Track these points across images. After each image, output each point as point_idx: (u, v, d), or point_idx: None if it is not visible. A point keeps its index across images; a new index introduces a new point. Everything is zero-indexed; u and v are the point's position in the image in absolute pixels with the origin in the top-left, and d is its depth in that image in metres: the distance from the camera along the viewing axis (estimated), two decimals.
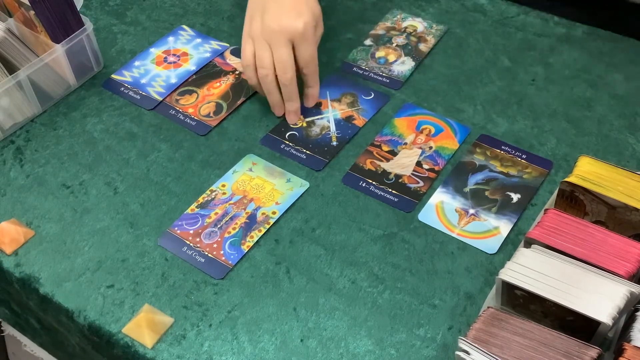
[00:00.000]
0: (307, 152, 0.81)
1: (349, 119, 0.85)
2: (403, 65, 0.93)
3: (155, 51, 0.97)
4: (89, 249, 0.75)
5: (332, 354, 0.66)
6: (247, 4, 0.87)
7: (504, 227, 0.75)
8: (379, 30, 0.99)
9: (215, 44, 0.98)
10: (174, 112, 0.89)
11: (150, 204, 0.79)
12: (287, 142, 0.84)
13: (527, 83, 0.91)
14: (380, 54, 0.95)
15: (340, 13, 1.03)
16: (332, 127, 0.83)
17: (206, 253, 0.73)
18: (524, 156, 0.81)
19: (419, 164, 0.81)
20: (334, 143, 0.82)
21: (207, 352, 0.66)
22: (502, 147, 0.82)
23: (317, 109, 0.85)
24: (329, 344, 0.66)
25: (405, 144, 0.84)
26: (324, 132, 0.84)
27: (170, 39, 0.99)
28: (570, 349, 0.55)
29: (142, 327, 0.67)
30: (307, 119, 0.85)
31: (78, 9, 0.87)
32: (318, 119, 0.85)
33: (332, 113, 0.85)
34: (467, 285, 0.70)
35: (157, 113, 0.89)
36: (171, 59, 0.96)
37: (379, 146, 0.83)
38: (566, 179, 0.65)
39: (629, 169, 0.65)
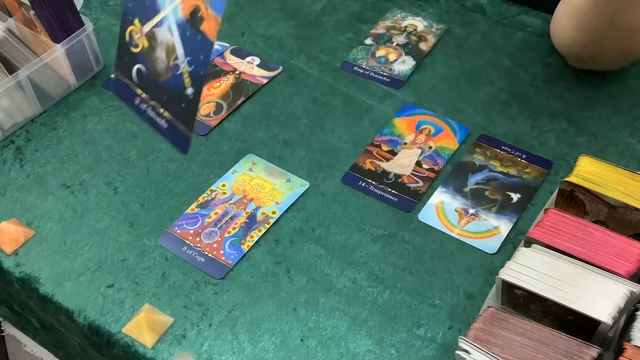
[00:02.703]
0: (166, 116, 0.50)
1: (194, 19, 0.49)
2: (403, 65, 0.93)
3: None
4: (89, 248, 0.75)
5: (332, 354, 0.66)
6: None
7: (504, 226, 0.75)
8: (380, 29, 0.99)
9: (215, 44, 0.98)
10: None
11: (150, 203, 0.79)
12: (139, 94, 0.54)
13: (527, 83, 0.91)
14: (380, 53, 0.95)
15: (340, 13, 1.03)
16: (179, 49, 0.49)
17: (206, 253, 0.73)
18: (524, 156, 0.81)
19: (418, 163, 0.81)
20: (189, 90, 0.49)
21: (207, 351, 0.66)
22: (502, 147, 0.82)
23: None
24: (329, 344, 0.66)
25: (405, 143, 0.84)
26: (172, 65, 0.50)
27: None
28: (570, 349, 0.55)
29: (142, 326, 0.67)
30: (145, 29, 0.52)
31: (78, 9, 0.87)
32: (158, 26, 0.51)
33: (171, 8, 0.50)
34: (467, 285, 0.70)
35: None
36: None
37: (379, 146, 0.84)
38: (566, 179, 0.65)
39: (629, 169, 0.65)
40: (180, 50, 0.49)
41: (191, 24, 0.47)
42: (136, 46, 0.52)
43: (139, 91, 0.52)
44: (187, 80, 0.48)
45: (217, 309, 0.69)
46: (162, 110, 0.50)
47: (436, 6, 1.03)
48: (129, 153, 0.84)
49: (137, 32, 0.51)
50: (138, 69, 0.52)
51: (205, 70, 0.46)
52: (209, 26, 0.47)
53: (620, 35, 0.80)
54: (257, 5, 1.04)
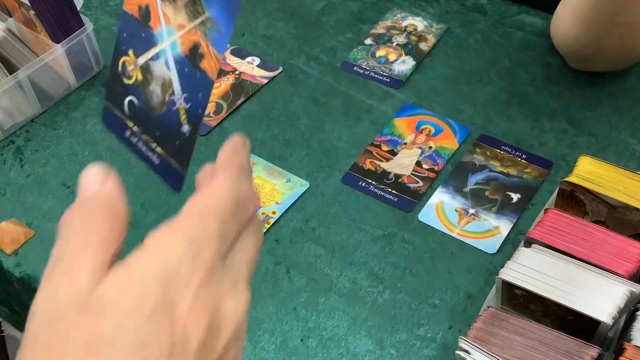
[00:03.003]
0: (159, 151, 0.46)
1: (194, 55, 0.44)
2: (404, 65, 0.93)
3: None
4: None
5: (332, 354, 0.66)
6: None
7: (504, 226, 0.75)
8: (380, 29, 0.99)
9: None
10: None
11: (150, 204, 0.79)
12: (130, 126, 0.49)
13: (527, 83, 0.91)
14: (380, 53, 0.95)
15: (340, 13, 1.03)
16: (176, 85, 0.46)
17: None
18: (524, 156, 0.81)
19: (418, 163, 0.81)
20: (185, 128, 0.46)
21: None
22: (502, 147, 0.82)
23: (148, 28, 0.46)
24: (329, 344, 0.66)
25: (405, 143, 0.84)
26: (168, 100, 0.46)
27: None
28: (570, 349, 0.55)
29: None
30: (140, 61, 0.48)
31: (78, 9, 0.87)
32: (154, 59, 0.47)
33: (169, 42, 0.46)
34: (467, 285, 0.70)
35: None
36: None
37: (379, 146, 0.84)
38: (566, 179, 0.65)
39: (629, 169, 0.65)
40: (177, 87, 0.45)
41: (190, 60, 0.44)
42: (129, 77, 0.48)
43: (130, 123, 0.48)
44: (183, 118, 0.45)
45: None
46: (154, 145, 0.47)
47: (436, 6, 1.03)
48: (129, 153, 0.84)
49: (131, 63, 0.48)
50: (130, 101, 0.48)
51: (203, 109, 0.43)
52: (210, 64, 0.43)
53: (621, 34, 0.80)
54: (257, 5, 1.04)
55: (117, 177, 0.35)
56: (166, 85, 0.45)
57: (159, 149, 0.45)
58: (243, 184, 0.36)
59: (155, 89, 0.46)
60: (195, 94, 0.44)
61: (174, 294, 0.30)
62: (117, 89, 0.48)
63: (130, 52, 0.47)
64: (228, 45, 0.98)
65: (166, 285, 0.30)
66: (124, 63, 0.48)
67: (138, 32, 0.46)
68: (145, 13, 0.45)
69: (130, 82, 0.47)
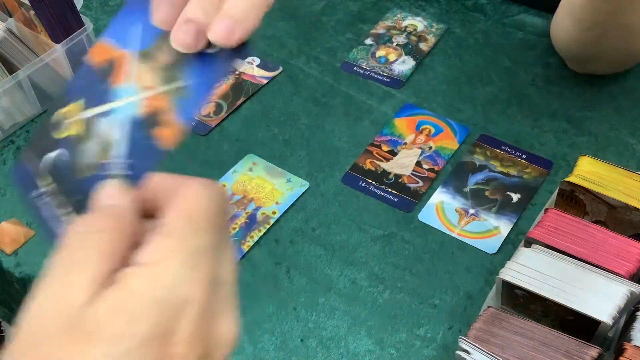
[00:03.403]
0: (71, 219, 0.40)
1: (153, 121, 0.38)
2: (404, 65, 0.93)
3: None
4: None
5: (332, 354, 0.66)
6: None
7: (504, 227, 0.75)
8: (380, 29, 0.99)
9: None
10: None
11: None
12: (41, 185, 0.42)
13: (527, 83, 0.91)
14: (380, 53, 0.95)
15: (340, 13, 1.03)
16: (121, 148, 0.39)
17: None
18: (524, 156, 0.81)
19: (418, 164, 0.81)
20: None
21: None
22: (502, 147, 0.82)
23: (106, 83, 0.40)
24: (329, 344, 0.66)
25: (405, 144, 0.84)
26: (102, 163, 0.39)
27: None
28: (570, 349, 0.55)
29: None
30: (87, 113, 0.41)
31: (78, 9, 0.87)
32: (103, 115, 0.41)
33: (128, 101, 0.40)
34: (467, 285, 0.70)
35: None
36: None
37: (379, 146, 0.84)
38: (566, 179, 0.65)
39: (629, 169, 0.65)
40: (122, 150, 0.40)
41: (147, 125, 0.39)
42: (63, 130, 0.42)
43: (42, 182, 0.42)
44: None
45: None
46: (67, 210, 0.40)
47: (436, 6, 1.03)
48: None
49: (74, 115, 0.42)
50: (56, 156, 0.42)
51: (141, 181, 0.38)
52: (168, 134, 0.38)
53: (620, 36, 0.79)
54: None
55: (133, 194, 0.33)
56: (107, 146, 0.40)
57: (71, 218, 0.37)
58: (215, 186, 0.32)
59: (91, 147, 0.40)
60: (141, 162, 0.39)
61: (170, 320, 0.28)
62: (43, 141, 0.43)
63: (78, 103, 0.42)
64: None
65: (162, 310, 0.27)
66: (63, 115, 0.43)
67: (94, 85, 0.41)
68: (110, 67, 0.41)
69: (63, 135, 0.42)
